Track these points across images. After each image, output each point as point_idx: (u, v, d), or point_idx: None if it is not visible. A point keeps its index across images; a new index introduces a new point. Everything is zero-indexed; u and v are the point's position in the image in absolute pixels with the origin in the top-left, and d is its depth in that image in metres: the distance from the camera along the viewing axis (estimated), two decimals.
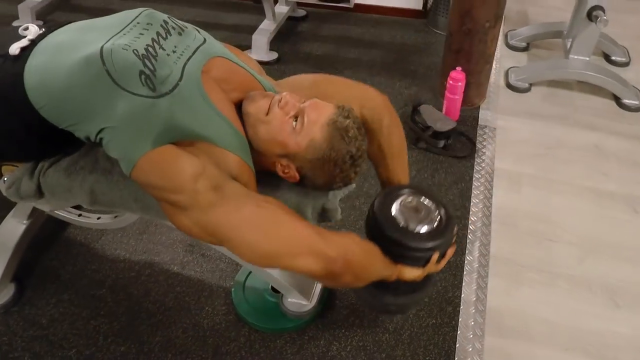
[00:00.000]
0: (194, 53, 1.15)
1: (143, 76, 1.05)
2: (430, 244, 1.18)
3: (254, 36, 3.06)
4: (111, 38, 1.11)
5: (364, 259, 1.14)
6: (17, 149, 1.26)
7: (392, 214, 1.20)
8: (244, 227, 1.05)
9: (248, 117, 1.16)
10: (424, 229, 1.18)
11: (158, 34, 1.15)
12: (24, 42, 1.16)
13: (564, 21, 3.01)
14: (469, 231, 2.00)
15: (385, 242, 1.18)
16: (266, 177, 1.22)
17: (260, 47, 3.05)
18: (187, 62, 1.13)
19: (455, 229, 1.25)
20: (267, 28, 3.11)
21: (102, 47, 1.07)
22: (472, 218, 2.05)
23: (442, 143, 2.36)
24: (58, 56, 1.11)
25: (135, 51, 1.08)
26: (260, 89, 1.26)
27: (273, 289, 1.72)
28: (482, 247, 1.94)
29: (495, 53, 2.53)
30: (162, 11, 1.24)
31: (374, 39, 3.33)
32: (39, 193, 1.34)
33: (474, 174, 2.26)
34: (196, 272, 1.86)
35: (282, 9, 3.30)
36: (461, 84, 2.41)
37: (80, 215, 1.74)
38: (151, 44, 1.12)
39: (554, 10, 3.55)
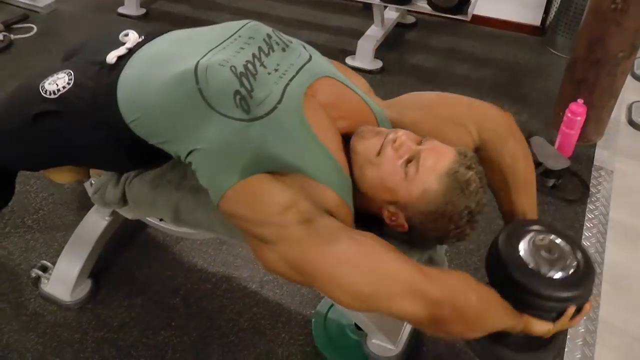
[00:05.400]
0: (297, 72, 1.03)
1: (238, 97, 0.95)
2: (566, 294, 0.98)
3: (359, 42, 2.89)
4: (209, 52, 1.03)
5: (479, 304, 0.95)
6: (104, 161, 1.21)
7: (520, 254, 1.01)
8: (336, 265, 0.91)
9: (356, 155, 1.02)
10: (558, 275, 0.99)
11: (260, 49, 1.05)
12: (121, 51, 1.11)
13: None
14: None
15: (512, 286, 0.99)
16: (366, 220, 1.07)
17: (365, 55, 2.88)
18: (289, 82, 1.01)
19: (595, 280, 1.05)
20: (374, 35, 2.93)
21: (197, 63, 0.99)
22: None
23: (551, 182, 2.12)
24: (153, 69, 1.04)
25: (232, 68, 0.98)
26: (372, 119, 1.11)
27: (357, 325, 1.58)
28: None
29: None
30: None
31: (485, 55, 3.08)
32: (123, 201, 1.30)
33: (585, 222, 2.00)
34: (275, 293, 1.75)
35: (391, 15, 3.08)
36: (580, 119, 2.15)
37: (161, 220, 1.67)
38: (251, 60, 1.01)
39: None
